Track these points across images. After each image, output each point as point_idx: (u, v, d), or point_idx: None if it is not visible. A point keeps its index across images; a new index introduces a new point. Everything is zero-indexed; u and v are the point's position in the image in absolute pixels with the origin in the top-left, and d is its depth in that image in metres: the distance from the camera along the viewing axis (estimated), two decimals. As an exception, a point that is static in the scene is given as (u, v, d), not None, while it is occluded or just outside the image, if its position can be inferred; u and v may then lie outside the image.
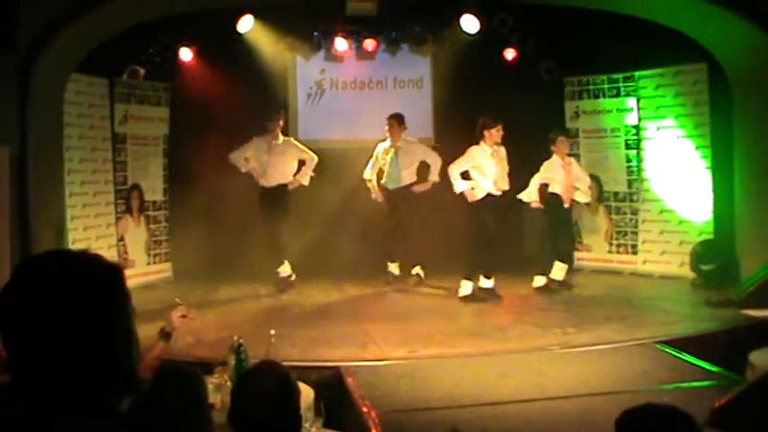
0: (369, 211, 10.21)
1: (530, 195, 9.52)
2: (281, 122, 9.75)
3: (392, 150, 9.84)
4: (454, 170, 8.94)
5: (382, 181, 9.92)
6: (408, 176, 9.88)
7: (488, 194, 8.97)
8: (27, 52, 7.70)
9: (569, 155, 9.78)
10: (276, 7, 10.20)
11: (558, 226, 9.62)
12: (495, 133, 8.88)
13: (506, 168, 9.09)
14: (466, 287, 9.03)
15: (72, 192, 9.12)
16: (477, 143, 8.97)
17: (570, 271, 9.79)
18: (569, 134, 10.45)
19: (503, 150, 9.06)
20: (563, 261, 9.49)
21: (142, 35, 9.66)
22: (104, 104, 9.82)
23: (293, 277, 9.63)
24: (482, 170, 8.95)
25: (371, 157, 9.98)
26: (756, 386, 3.54)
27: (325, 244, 9.65)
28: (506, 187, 9.08)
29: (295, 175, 9.65)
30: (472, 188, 8.93)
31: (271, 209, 9.53)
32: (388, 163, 9.84)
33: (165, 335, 4.43)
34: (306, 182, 9.64)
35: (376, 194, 9.95)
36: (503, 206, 9.21)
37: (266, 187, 9.61)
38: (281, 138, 9.70)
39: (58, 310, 1.41)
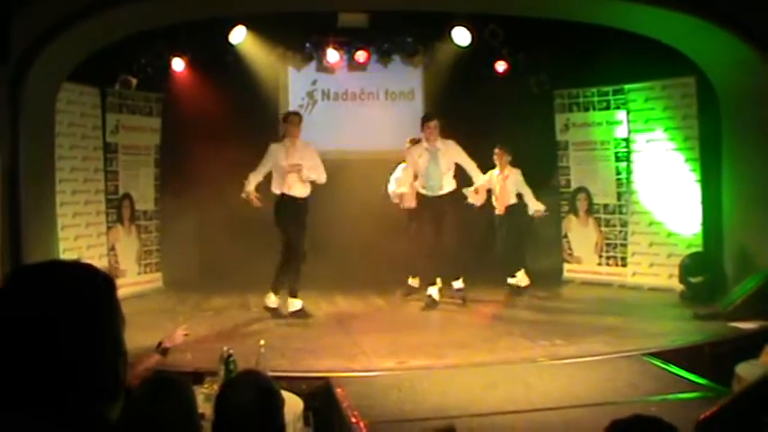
0: (359, 222, 10.24)
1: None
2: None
3: (427, 153, 9.04)
4: None
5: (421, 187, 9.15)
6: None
7: None
8: (19, 61, 7.68)
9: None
10: (268, 18, 10.24)
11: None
12: None
13: None
14: None
15: (63, 201, 9.12)
16: None
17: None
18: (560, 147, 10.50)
19: None
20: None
21: (135, 45, 9.67)
22: (96, 114, 9.84)
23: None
24: None
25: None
26: (741, 398, 3.55)
27: (315, 254, 9.64)
28: None
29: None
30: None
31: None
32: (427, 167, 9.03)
33: (163, 350, 4.51)
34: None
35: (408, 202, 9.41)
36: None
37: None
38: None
39: (47, 318, 1.43)
